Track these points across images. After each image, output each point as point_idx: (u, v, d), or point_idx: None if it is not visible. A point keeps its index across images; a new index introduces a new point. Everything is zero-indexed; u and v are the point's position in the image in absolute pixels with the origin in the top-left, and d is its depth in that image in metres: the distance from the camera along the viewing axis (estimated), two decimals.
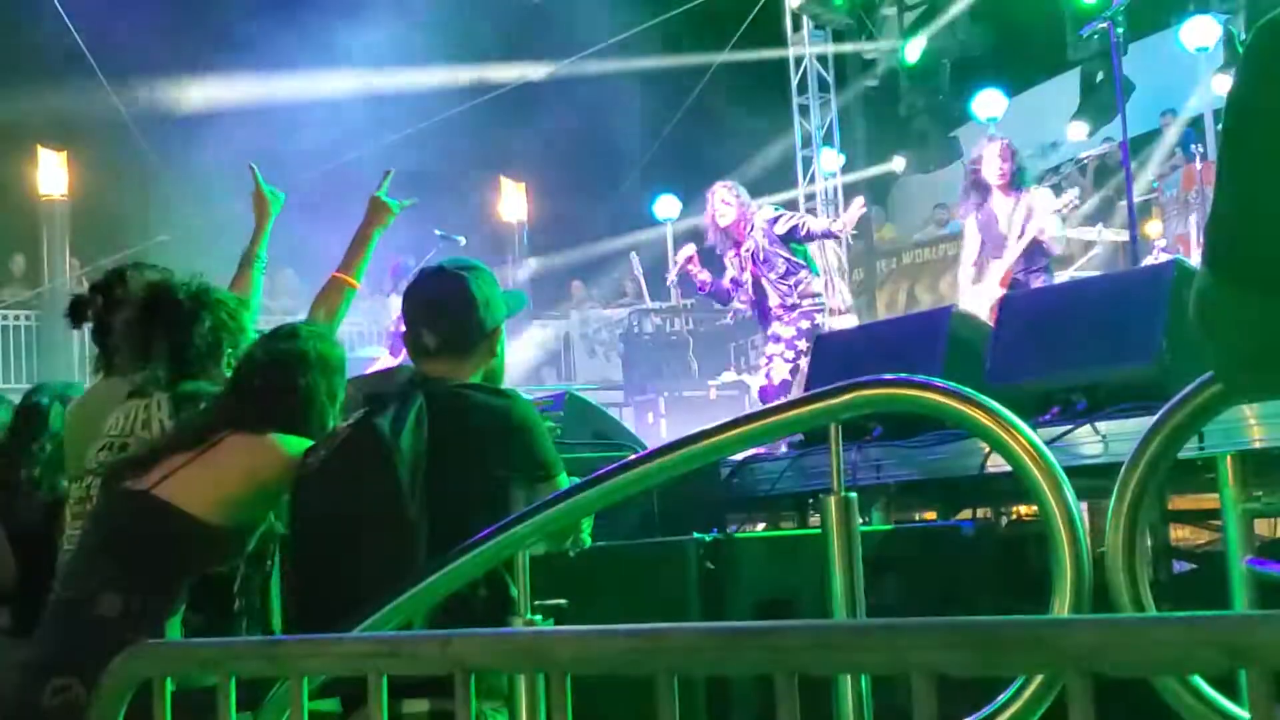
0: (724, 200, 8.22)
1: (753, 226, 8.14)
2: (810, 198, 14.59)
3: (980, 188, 7.88)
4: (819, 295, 8.26)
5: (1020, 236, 7.67)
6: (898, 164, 15.25)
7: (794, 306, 8.12)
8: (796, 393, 8.01)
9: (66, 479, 3.60)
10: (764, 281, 8.18)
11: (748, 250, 8.17)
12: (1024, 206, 7.73)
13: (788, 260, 8.10)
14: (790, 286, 8.12)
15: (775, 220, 8.15)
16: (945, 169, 16.15)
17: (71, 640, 2.94)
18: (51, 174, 13.83)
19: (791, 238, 8.09)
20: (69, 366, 12.48)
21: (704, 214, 8.41)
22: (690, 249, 8.57)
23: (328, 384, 3.27)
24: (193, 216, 12.35)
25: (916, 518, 5.52)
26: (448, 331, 3.09)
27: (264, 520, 3.16)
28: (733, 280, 8.29)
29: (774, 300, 8.17)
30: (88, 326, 3.90)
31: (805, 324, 8.08)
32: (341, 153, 12.76)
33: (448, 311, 3.10)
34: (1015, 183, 7.84)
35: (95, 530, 3.12)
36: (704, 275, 8.43)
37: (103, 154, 13.16)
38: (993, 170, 7.81)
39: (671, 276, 9.51)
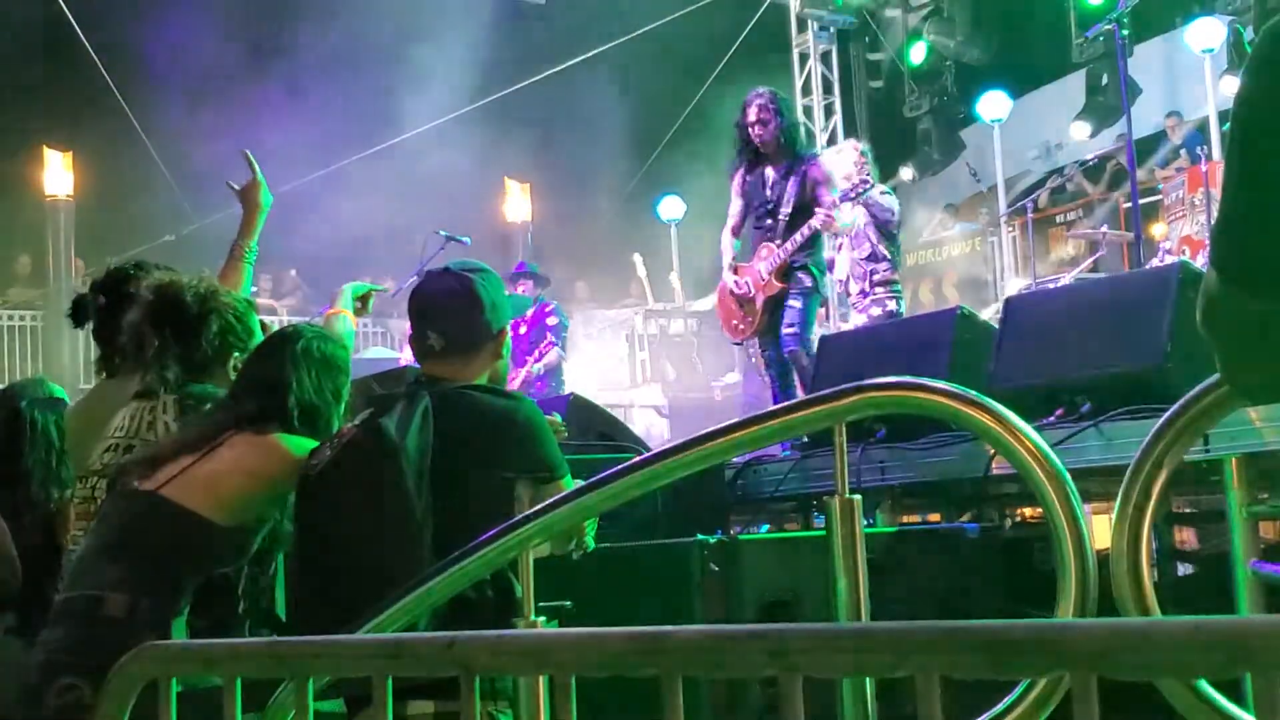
0: (854, 161, 8.06)
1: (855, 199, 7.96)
2: None
3: (748, 148, 7.15)
4: (894, 283, 8.01)
5: (793, 215, 6.91)
6: (906, 174, 15.23)
7: (865, 294, 7.95)
8: None
9: (71, 480, 3.60)
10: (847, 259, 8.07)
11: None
12: (798, 177, 6.96)
13: (874, 246, 7.94)
14: (866, 272, 7.95)
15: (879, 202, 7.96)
16: (949, 170, 16.15)
17: (77, 641, 2.94)
18: (56, 174, 13.84)
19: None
20: (74, 367, 12.49)
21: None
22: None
23: (331, 384, 3.27)
24: (198, 217, 12.36)
25: (920, 520, 5.52)
26: (453, 333, 3.09)
27: (269, 520, 3.16)
28: None
29: (853, 287, 8.05)
30: (90, 326, 3.90)
31: (876, 311, 7.90)
32: (346, 153, 12.77)
33: (453, 313, 3.10)
34: (785, 146, 7.03)
35: (102, 531, 3.12)
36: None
37: (108, 154, 13.17)
38: (755, 129, 7.05)
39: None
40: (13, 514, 3.71)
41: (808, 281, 7.02)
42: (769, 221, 7.06)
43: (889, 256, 7.94)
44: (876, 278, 7.91)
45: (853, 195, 7.77)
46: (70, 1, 11.53)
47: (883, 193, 8.07)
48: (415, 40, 13.15)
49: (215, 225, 11.18)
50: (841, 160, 8.14)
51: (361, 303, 4.25)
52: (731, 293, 7.22)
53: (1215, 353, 1.83)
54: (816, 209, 6.90)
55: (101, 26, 12.12)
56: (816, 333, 7.07)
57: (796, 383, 6.93)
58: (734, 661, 1.35)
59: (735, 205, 7.23)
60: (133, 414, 3.36)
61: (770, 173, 7.07)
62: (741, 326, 7.27)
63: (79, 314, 3.87)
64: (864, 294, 7.96)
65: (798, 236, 6.89)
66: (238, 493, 3.08)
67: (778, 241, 6.98)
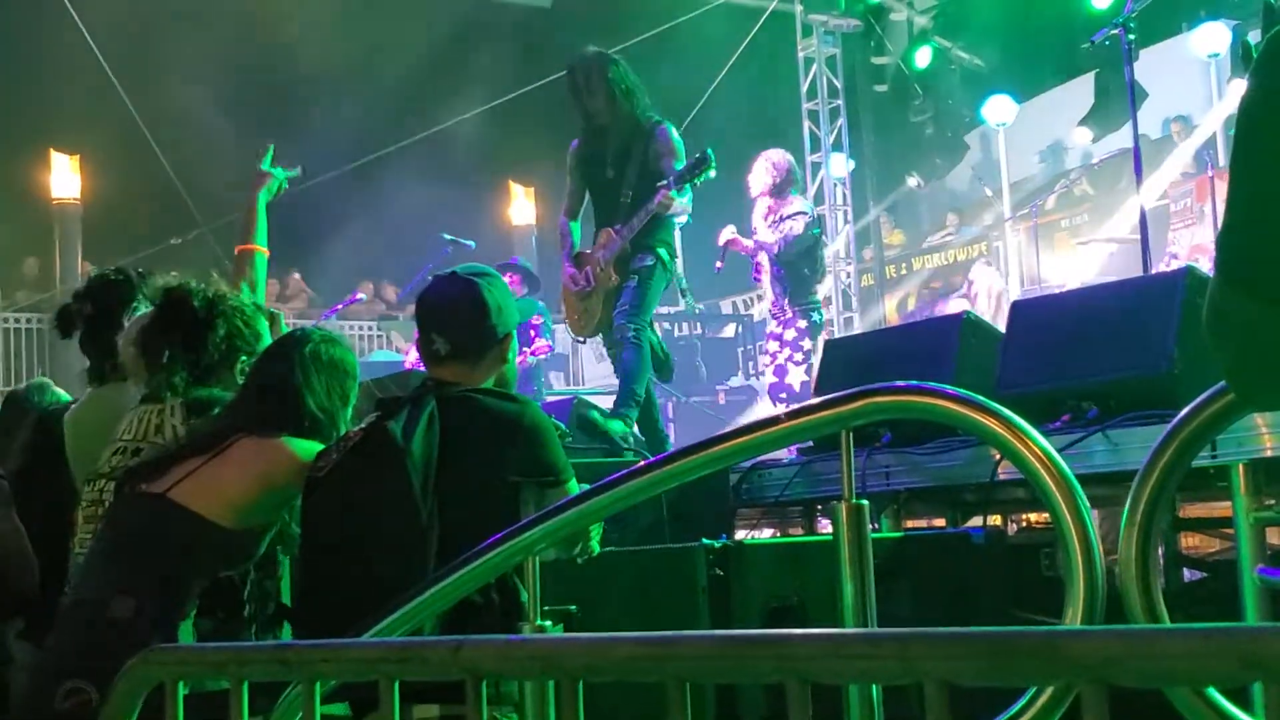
0: (766, 170, 8.02)
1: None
2: (819, 203, 14.60)
3: (588, 121, 6.38)
4: (811, 296, 7.99)
5: (635, 196, 6.14)
6: (912, 181, 15.23)
7: (780, 310, 7.96)
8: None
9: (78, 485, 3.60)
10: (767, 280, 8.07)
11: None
12: (639, 152, 6.19)
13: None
14: (784, 289, 7.94)
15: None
16: (954, 174, 16.14)
17: (84, 643, 2.94)
18: (64, 177, 13.87)
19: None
20: (80, 370, 12.50)
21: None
22: (730, 230, 8.27)
23: (339, 387, 3.28)
24: (205, 221, 12.37)
25: (926, 525, 5.51)
26: (459, 337, 3.10)
27: (275, 523, 3.16)
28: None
29: (773, 307, 8.06)
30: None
31: (803, 323, 7.92)
32: (353, 158, 12.78)
33: (460, 317, 3.11)
34: (623, 115, 6.18)
35: (109, 534, 3.13)
36: (749, 242, 8.14)
37: (115, 157, 13.18)
38: (585, 99, 6.26)
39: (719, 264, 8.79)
40: (31, 518, 3.71)
41: (648, 260, 6.16)
42: (610, 204, 6.21)
43: (805, 272, 7.90)
44: (792, 291, 7.90)
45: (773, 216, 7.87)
46: (78, 5, 11.54)
47: (797, 213, 7.95)
48: (421, 45, 13.17)
49: (221, 229, 11.20)
50: (756, 170, 8.11)
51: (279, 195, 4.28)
52: (569, 288, 6.47)
53: (1221, 360, 1.82)
54: (659, 186, 6.01)
55: (109, 30, 12.13)
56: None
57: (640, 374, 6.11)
58: (742, 668, 1.35)
59: (569, 185, 6.44)
60: (140, 417, 3.37)
61: (611, 148, 6.18)
62: (582, 322, 6.49)
63: (66, 325, 3.88)
64: (780, 310, 7.95)
65: (635, 222, 6.08)
66: (244, 496, 3.08)
67: (618, 226, 6.16)
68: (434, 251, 10.58)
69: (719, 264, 8.84)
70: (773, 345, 8.07)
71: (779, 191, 8.02)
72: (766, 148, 8.41)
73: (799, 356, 7.91)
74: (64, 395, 4.20)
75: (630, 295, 6.16)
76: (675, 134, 6.19)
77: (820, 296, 8.00)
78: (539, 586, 2.50)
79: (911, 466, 4.64)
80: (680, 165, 6.05)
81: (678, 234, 6.49)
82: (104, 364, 3.79)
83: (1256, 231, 1.69)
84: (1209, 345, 1.84)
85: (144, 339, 3.42)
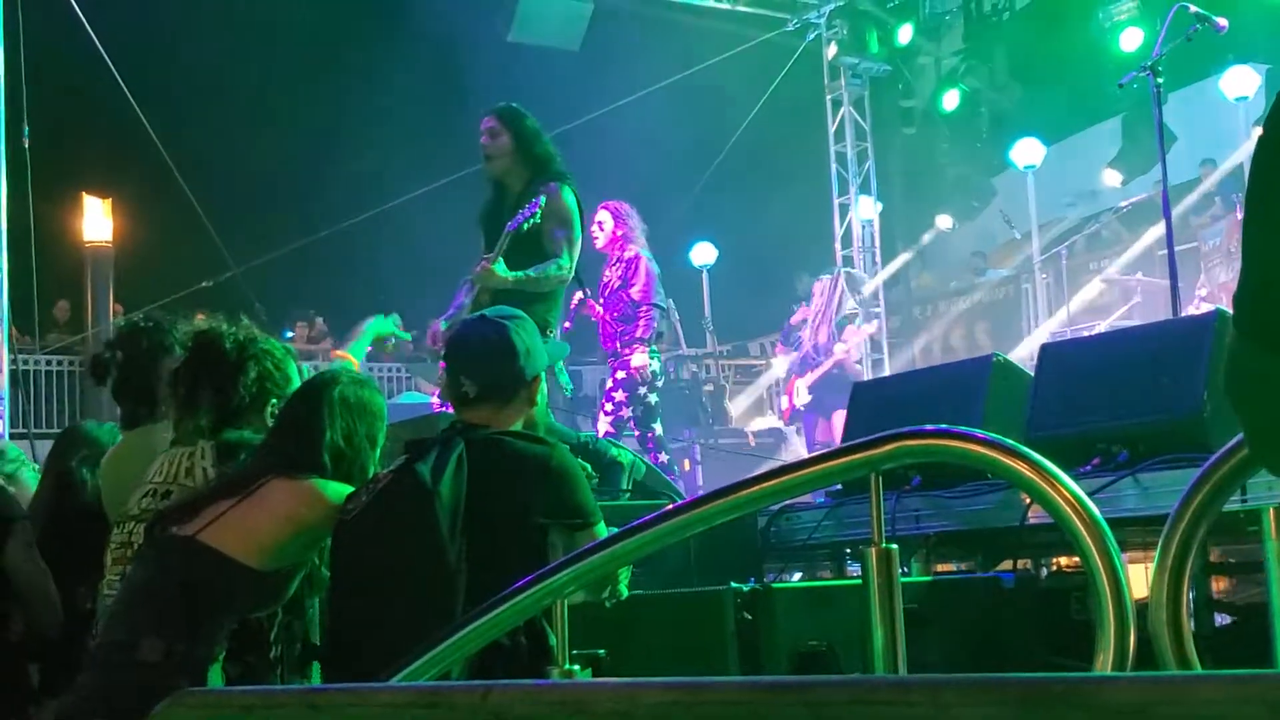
0: (597, 222, 7.86)
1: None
2: (846, 246, 14.61)
3: (494, 185, 5.96)
4: (648, 340, 7.82)
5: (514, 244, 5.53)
6: (943, 222, 15.20)
7: (614, 356, 7.84)
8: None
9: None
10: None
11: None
12: (534, 202, 5.58)
13: (624, 307, 7.81)
14: (616, 333, 7.83)
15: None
16: (983, 216, 16.13)
17: (112, 685, 2.95)
18: (96, 220, 13.98)
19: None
20: (112, 413, 12.55)
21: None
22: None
23: (367, 429, 3.29)
24: (235, 264, 12.47)
25: (956, 569, 5.47)
26: (488, 380, 3.11)
27: (305, 565, 3.17)
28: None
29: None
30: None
31: (621, 374, 7.81)
32: (379, 201, 12.87)
33: (488, 360, 3.12)
34: (524, 165, 5.73)
35: (138, 576, 3.14)
36: (599, 306, 7.92)
37: (147, 201, 13.31)
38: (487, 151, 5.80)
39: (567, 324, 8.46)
40: (57, 562, 3.73)
41: None
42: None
43: (640, 320, 7.77)
44: (625, 338, 7.76)
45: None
46: (110, 48, 11.68)
47: (648, 259, 7.90)
48: (448, 88, 13.28)
49: (253, 273, 11.29)
50: (604, 220, 8.00)
51: (378, 345, 4.31)
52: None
53: (1240, 418, 1.79)
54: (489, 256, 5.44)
55: (141, 74, 12.29)
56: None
57: None
58: (772, 714, 1.34)
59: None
60: (171, 460, 3.39)
61: (508, 203, 5.66)
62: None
63: (100, 372, 3.92)
64: (613, 356, 7.82)
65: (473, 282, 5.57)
66: (273, 537, 3.09)
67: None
68: (461, 294, 10.58)
69: (567, 324, 8.70)
70: (620, 395, 7.81)
71: (626, 240, 7.97)
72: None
73: (638, 410, 7.76)
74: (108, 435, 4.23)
75: None
76: (570, 196, 5.60)
77: (658, 343, 7.88)
78: (567, 630, 2.50)
79: (941, 510, 4.61)
80: (572, 233, 5.56)
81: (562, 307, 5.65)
82: (137, 410, 3.82)
83: (1269, 285, 1.67)
84: (1230, 402, 1.81)
85: (175, 382, 3.45)
